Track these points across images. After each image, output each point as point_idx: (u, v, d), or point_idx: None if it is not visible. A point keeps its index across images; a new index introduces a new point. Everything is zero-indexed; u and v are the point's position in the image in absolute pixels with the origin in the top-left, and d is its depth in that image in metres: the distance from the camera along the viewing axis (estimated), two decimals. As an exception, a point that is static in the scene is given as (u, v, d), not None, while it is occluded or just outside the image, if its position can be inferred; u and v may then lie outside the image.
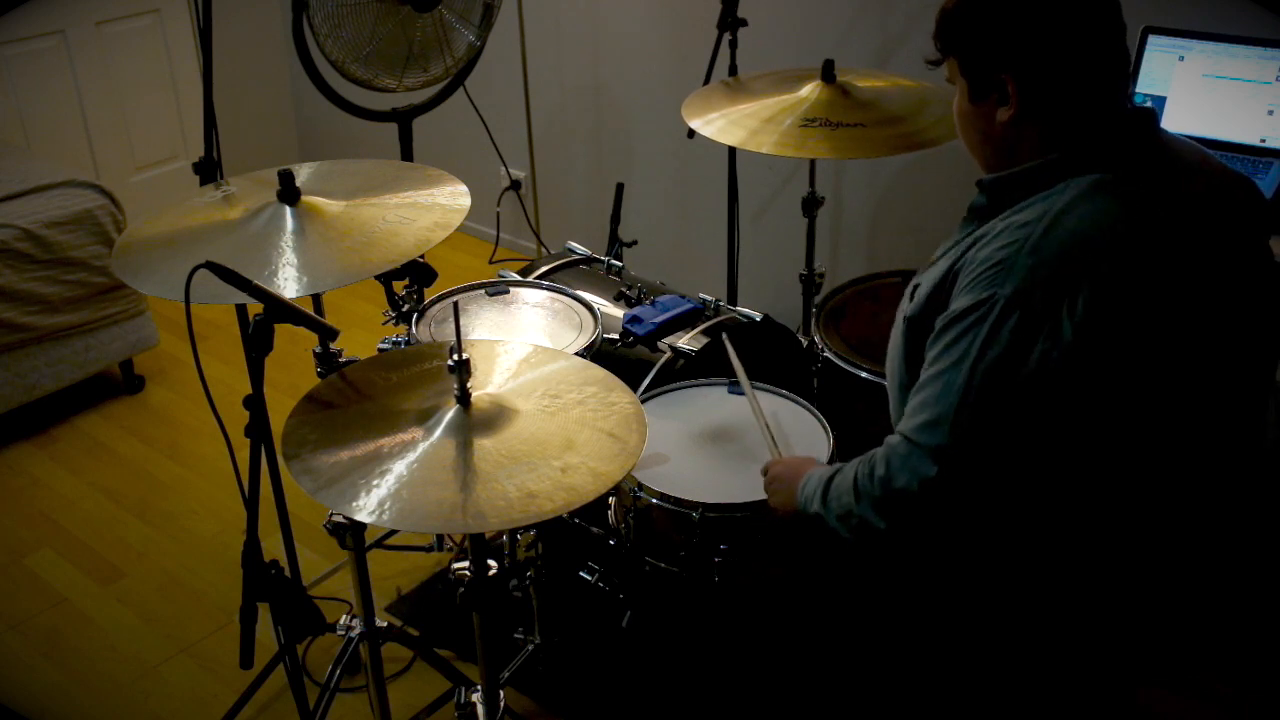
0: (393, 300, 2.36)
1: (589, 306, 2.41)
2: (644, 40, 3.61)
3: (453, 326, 1.58)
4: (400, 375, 1.74)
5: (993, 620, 1.57)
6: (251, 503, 1.64)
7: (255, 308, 1.62)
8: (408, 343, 2.34)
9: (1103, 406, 1.41)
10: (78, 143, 4.07)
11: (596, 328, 2.32)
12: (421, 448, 1.55)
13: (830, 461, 2.06)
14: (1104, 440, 1.44)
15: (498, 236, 4.30)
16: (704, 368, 2.34)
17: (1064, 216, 1.40)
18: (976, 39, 1.47)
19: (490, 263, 4.22)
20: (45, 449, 3.29)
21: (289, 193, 1.94)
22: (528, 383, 1.70)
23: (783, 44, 3.20)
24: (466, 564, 1.73)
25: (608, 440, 1.58)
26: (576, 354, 2.11)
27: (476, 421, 1.59)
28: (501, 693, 1.88)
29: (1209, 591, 1.62)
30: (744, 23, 2.87)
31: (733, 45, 2.87)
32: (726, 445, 2.15)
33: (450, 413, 1.59)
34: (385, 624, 2.04)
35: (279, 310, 1.60)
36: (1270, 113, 2.42)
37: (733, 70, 2.88)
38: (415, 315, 2.35)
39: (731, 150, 3.03)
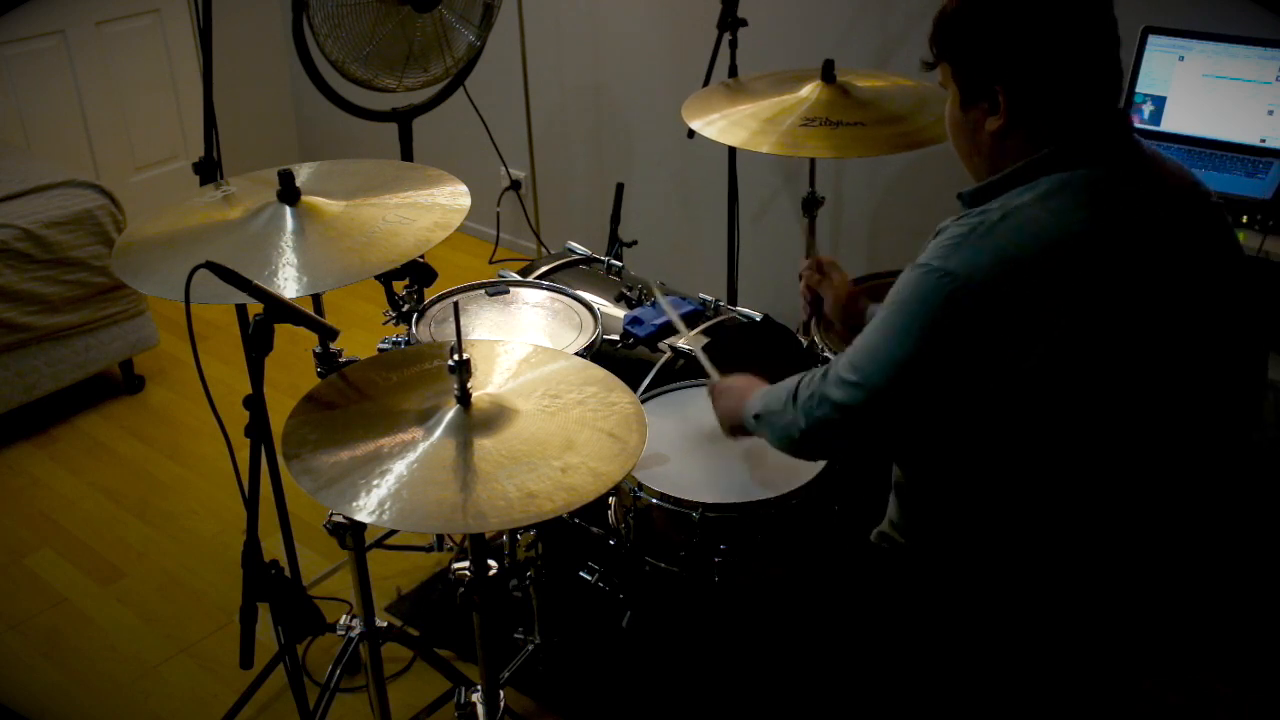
0: (393, 300, 2.36)
1: (589, 306, 2.41)
2: (644, 40, 3.61)
3: (453, 326, 1.58)
4: (400, 375, 1.74)
5: (992, 620, 1.57)
6: (251, 503, 1.64)
7: (255, 308, 1.62)
8: (408, 343, 2.34)
9: (1045, 397, 1.41)
10: (78, 143, 4.07)
11: (596, 328, 2.32)
12: (421, 448, 1.55)
13: (829, 466, 2.06)
14: (1061, 430, 1.43)
15: (498, 236, 4.30)
16: (703, 368, 2.34)
17: (1021, 209, 1.41)
18: (971, 47, 1.47)
19: (490, 263, 4.22)
20: (45, 449, 3.29)
21: (289, 193, 1.94)
22: (528, 383, 1.70)
23: (783, 44, 3.20)
24: (466, 564, 1.73)
25: (608, 440, 1.58)
26: (576, 354, 2.11)
27: (476, 421, 1.59)
28: (501, 693, 1.88)
29: (1208, 590, 1.62)
30: (744, 23, 2.87)
31: (733, 45, 2.87)
32: (726, 445, 2.14)
33: (450, 413, 1.59)
34: (385, 624, 2.04)
35: (279, 310, 1.60)
36: (1270, 113, 2.42)
37: (733, 70, 2.88)
38: (415, 315, 2.35)
39: (731, 150, 3.03)
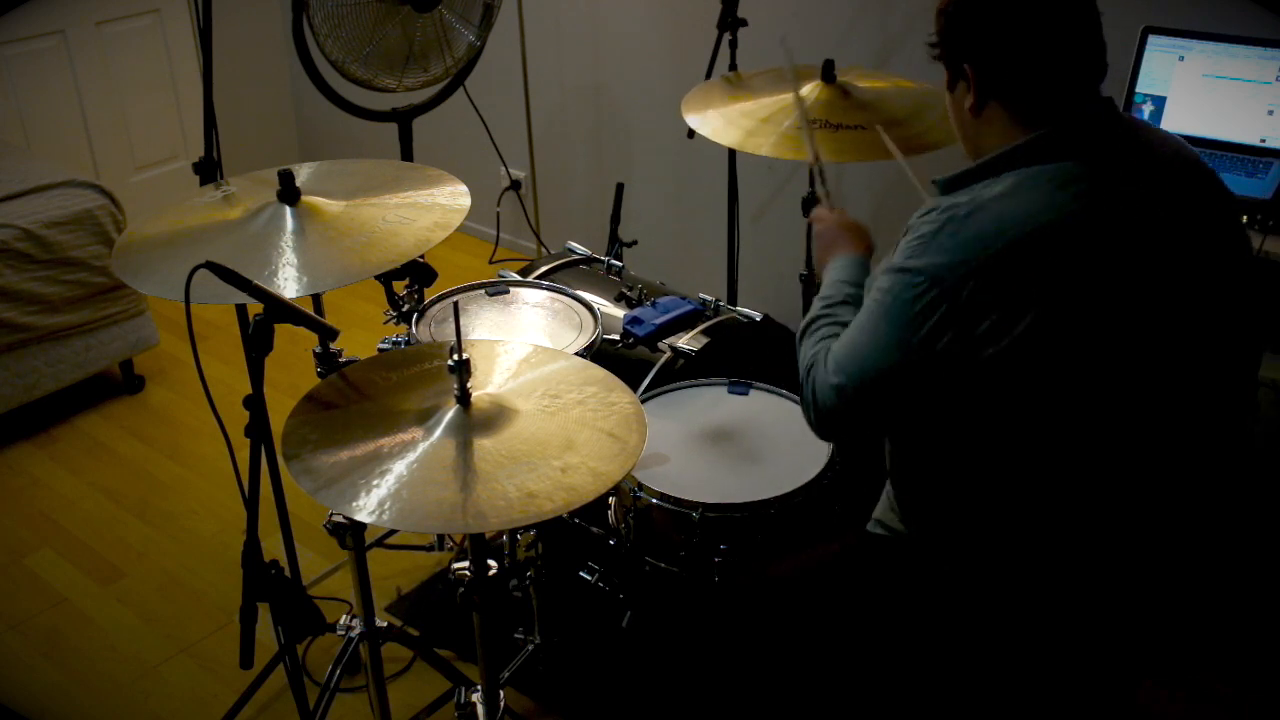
0: (393, 300, 2.36)
1: (589, 306, 2.41)
2: (644, 40, 3.61)
3: (453, 326, 1.58)
4: (400, 375, 1.74)
5: (991, 620, 1.57)
6: (251, 503, 1.64)
7: (255, 308, 1.62)
8: (408, 343, 2.34)
9: (1025, 388, 1.41)
10: (78, 143, 4.07)
11: (596, 328, 2.32)
12: (421, 448, 1.55)
13: (829, 466, 2.06)
14: (1047, 419, 1.43)
15: (498, 236, 4.30)
16: (704, 368, 2.34)
17: (992, 202, 1.41)
18: (944, 25, 1.50)
19: (490, 263, 4.22)
20: (45, 449, 3.29)
21: (289, 193, 1.94)
22: (528, 383, 1.70)
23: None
24: (466, 564, 1.73)
25: (608, 440, 1.58)
26: (576, 354, 2.11)
27: (476, 421, 1.59)
28: (501, 693, 1.89)
29: (1208, 590, 1.62)
30: (744, 23, 2.87)
31: (733, 45, 2.87)
32: (726, 445, 2.15)
33: (450, 413, 1.60)
34: (385, 624, 2.04)
35: (279, 310, 1.60)
36: (1270, 113, 2.42)
37: (732, 70, 2.88)
38: (415, 315, 2.35)
39: (731, 150, 3.03)
